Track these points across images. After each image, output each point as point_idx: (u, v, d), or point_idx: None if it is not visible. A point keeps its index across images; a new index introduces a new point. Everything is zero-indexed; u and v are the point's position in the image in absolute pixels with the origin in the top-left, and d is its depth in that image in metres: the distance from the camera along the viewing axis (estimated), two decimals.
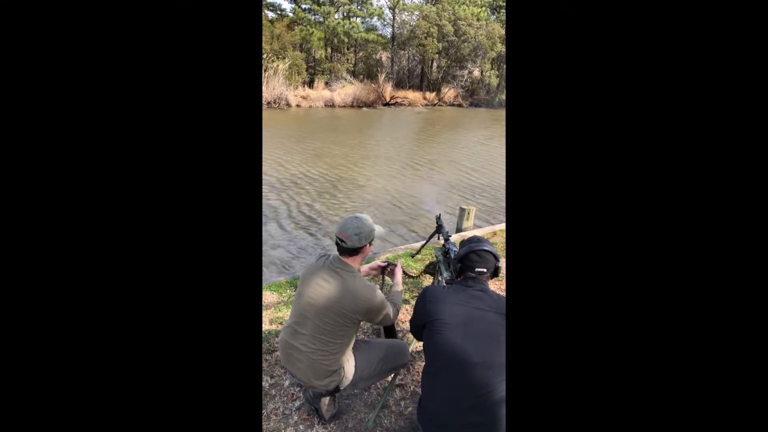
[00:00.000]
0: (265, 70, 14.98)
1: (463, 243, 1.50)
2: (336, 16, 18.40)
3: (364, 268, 1.85)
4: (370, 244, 1.51)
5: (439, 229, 2.18)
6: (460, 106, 19.83)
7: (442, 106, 19.49)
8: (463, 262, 1.42)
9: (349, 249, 1.46)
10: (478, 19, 18.86)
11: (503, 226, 4.07)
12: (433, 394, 1.26)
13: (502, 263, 1.48)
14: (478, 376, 1.21)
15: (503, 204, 5.61)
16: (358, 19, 19.21)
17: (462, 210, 4.15)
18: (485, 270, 1.39)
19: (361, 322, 1.53)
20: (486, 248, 1.40)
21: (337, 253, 1.52)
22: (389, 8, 19.85)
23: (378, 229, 1.57)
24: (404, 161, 8.27)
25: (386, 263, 1.87)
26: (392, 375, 1.78)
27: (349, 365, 1.53)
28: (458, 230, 4.19)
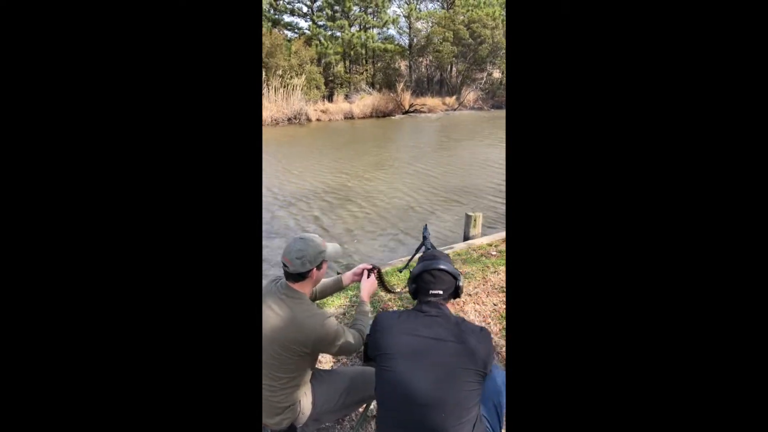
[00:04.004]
0: (284, 87, 15.28)
1: (420, 260, 1.33)
2: (352, 29, 18.57)
3: (348, 274, 1.68)
4: (318, 267, 1.37)
5: (424, 241, 2.01)
6: (480, 109, 19.44)
7: (462, 110, 19.17)
8: (417, 283, 1.24)
9: (293, 274, 1.33)
10: (493, 19, 18.47)
11: None
12: None
13: (463, 282, 1.30)
14: (428, 420, 1.04)
15: None
16: (375, 29, 19.31)
17: (468, 217, 3.95)
18: (440, 292, 1.21)
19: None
20: (441, 267, 1.22)
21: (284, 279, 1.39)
22: (404, 16, 19.86)
23: (331, 249, 1.43)
24: (418, 169, 8.10)
25: (372, 266, 1.65)
26: (363, 406, 1.62)
27: (306, 399, 1.39)
28: (465, 238, 3.98)
